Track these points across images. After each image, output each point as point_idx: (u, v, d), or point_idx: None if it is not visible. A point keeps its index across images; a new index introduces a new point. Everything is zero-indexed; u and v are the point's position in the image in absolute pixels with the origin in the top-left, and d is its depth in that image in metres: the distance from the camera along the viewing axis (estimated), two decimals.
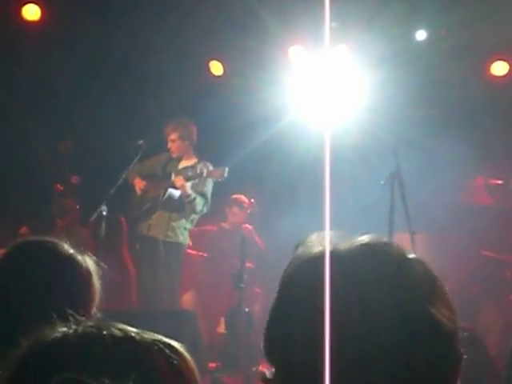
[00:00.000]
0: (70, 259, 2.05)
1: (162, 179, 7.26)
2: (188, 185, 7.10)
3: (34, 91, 8.43)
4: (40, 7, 8.10)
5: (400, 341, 1.06)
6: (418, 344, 1.07)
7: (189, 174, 7.15)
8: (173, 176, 7.16)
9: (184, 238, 7.31)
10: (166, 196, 7.16)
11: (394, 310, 1.07)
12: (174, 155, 7.35)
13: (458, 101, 7.79)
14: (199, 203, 7.18)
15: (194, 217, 7.37)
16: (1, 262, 2.07)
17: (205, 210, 7.29)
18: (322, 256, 1.12)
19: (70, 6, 7.99)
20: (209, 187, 7.23)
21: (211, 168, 7.15)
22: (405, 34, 7.96)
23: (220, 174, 7.01)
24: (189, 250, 7.73)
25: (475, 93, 7.85)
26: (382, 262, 1.11)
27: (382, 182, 6.13)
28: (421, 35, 8.00)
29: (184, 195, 7.10)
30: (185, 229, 7.31)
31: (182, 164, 7.36)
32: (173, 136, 7.30)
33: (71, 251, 2.07)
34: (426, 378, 1.07)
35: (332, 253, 1.12)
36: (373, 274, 1.09)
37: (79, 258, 2.06)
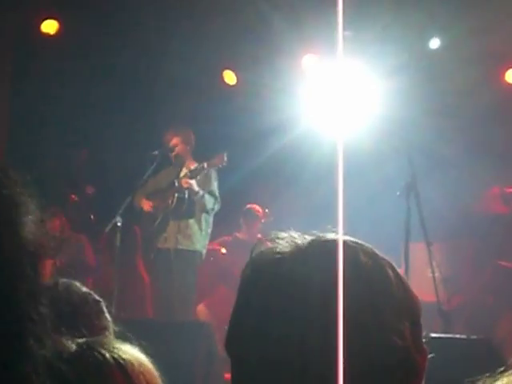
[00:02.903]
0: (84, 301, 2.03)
1: (167, 190, 7.24)
2: (194, 182, 7.07)
3: (50, 101, 8.48)
4: (58, 22, 8.21)
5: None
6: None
7: (191, 172, 7.15)
8: (176, 183, 7.15)
9: (200, 245, 7.23)
10: (174, 202, 7.13)
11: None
12: (179, 161, 7.32)
13: (473, 109, 7.76)
14: (209, 201, 7.14)
15: (206, 217, 7.27)
16: None
17: (216, 207, 7.24)
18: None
19: (84, 18, 8.04)
20: (214, 185, 7.22)
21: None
22: (418, 42, 7.94)
23: (220, 160, 7.02)
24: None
25: (490, 101, 7.81)
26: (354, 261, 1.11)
27: (398, 193, 6.08)
28: (435, 43, 7.98)
29: (193, 194, 7.08)
30: (201, 235, 7.23)
31: (184, 170, 7.32)
32: (175, 141, 7.28)
33: (85, 291, 2.06)
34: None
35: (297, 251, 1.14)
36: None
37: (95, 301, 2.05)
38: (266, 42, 7.84)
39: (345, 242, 1.12)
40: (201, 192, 7.08)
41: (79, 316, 1.97)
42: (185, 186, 7.06)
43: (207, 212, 7.21)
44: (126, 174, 7.65)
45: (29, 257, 0.87)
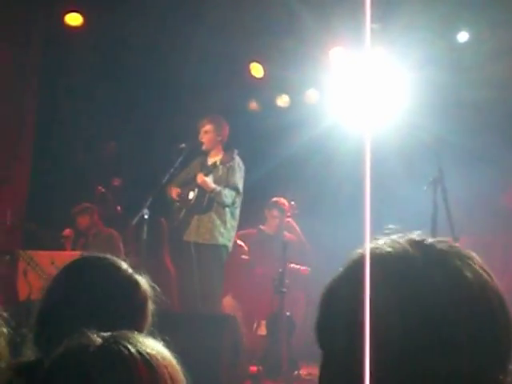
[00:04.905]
0: (130, 280, 2.00)
1: (191, 183, 7.25)
2: (208, 179, 7.05)
3: (78, 94, 8.53)
4: (82, 15, 8.23)
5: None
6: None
7: (205, 169, 7.14)
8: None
9: (224, 239, 7.13)
10: (193, 198, 7.13)
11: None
12: (204, 147, 7.24)
13: (501, 102, 7.69)
14: (228, 195, 7.05)
15: (232, 210, 7.17)
16: (61, 274, 2.00)
17: (237, 201, 7.14)
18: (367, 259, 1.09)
19: (109, 11, 8.07)
20: (237, 176, 7.13)
21: (235, 159, 7.16)
22: (446, 36, 7.89)
23: (229, 158, 7.07)
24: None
25: None
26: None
27: (425, 188, 6.05)
28: (463, 37, 7.92)
29: (209, 190, 7.04)
30: (225, 229, 7.16)
31: (210, 159, 7.28)
32: (207, 127, 7.22)
33: (131, 271, 2.02)
34: None
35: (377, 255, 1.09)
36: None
37: (138, 279, 2.01)
38: (294, 35, 7.82)
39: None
40: (217, 188, 7.01)
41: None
42: (199, 181, 7.06)
43: (227, 206, 7.12)
44: (153, 167, 7.67)
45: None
